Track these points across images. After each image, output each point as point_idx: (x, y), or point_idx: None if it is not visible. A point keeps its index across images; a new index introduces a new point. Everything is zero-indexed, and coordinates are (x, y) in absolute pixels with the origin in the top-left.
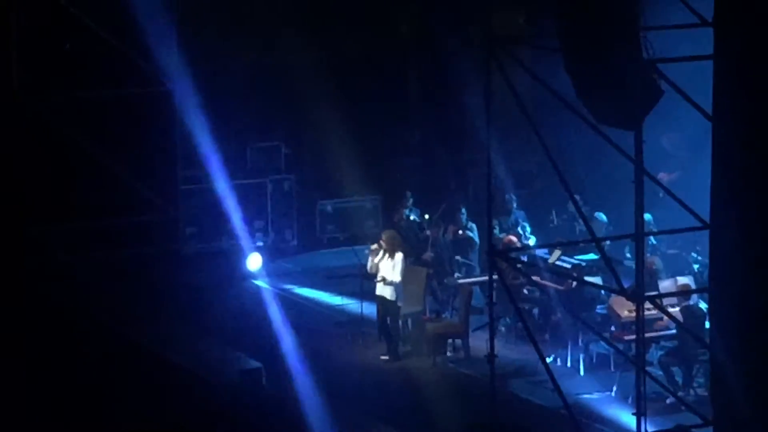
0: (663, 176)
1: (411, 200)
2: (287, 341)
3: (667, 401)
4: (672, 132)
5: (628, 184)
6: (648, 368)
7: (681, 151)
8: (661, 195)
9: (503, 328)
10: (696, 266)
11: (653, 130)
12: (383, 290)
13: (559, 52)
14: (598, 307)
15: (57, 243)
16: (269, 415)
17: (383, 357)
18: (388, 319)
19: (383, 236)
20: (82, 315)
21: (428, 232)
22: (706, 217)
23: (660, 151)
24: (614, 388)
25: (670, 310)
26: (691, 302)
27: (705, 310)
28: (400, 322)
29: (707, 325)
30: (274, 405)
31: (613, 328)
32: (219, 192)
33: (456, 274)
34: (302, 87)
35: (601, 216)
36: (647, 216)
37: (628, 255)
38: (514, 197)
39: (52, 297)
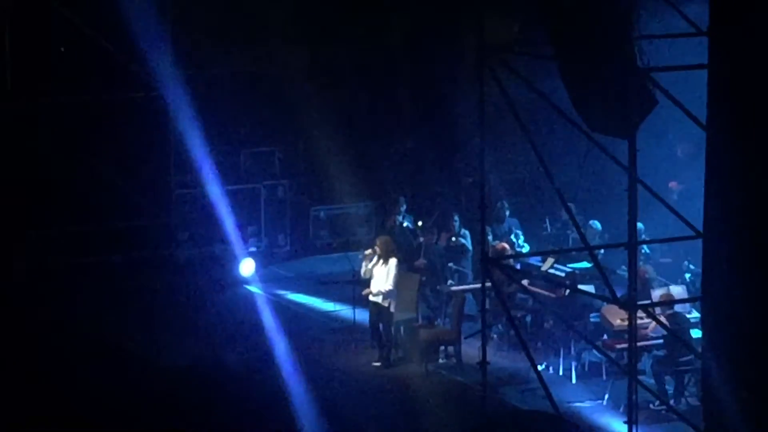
0: (673, 185)
1: (404, 207)
2: (280, 346)
3: (659, 410)
4: (686, 142)
5: (622, 192)
6: (640, 377)
7: (695, 161)
8: (675, 198)
9: (495, 336)
10: (688, 275)
11: (665, 139)
12: (376, 296)
13: (553, 60)
14: (591, 315)
15: (49, 247)
16: (262, 418)
17: (375, 363)
18: (381, 325)
19: (377, 242)
20: (73, 319)
21: (421, 239)
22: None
23: (675, 159)
24: (606, 397)
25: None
26: (678, 309)
27: (689, 317)
28: (393, 329)
29: (692, 332)
30: (269, 409)
31: (605, 337)
32: (212, 197)
33: (449, 281)
34: (296, 93)
35: (596, 224)
36: (639, 225)
37: (624, 267)
38: (506, 205)
39: (44, 301)
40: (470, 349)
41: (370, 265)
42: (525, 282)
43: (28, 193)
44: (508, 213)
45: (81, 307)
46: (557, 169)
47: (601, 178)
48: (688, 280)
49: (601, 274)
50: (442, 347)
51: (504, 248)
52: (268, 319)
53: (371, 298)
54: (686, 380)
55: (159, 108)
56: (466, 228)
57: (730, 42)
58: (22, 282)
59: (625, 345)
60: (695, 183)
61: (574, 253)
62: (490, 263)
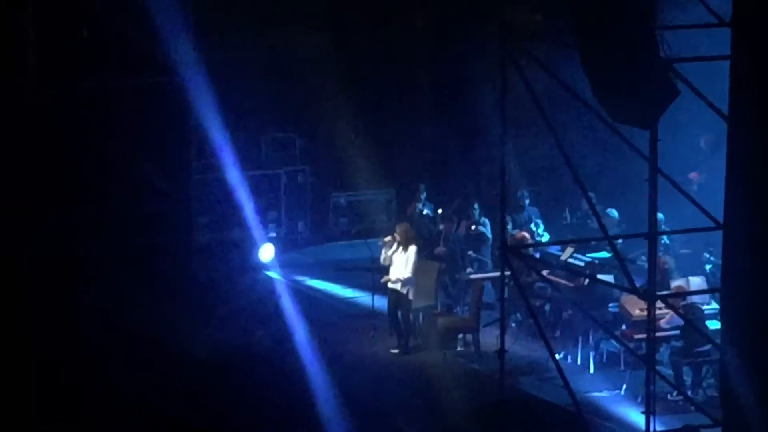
0: (694, 176)
1: (424, 194)
2: (299, 332)
3: (677, 401)
4: (709, 133)
5: (641, 182)
6: (658, 367)
7: (717, 152)
8: (696, 189)
9: (514, 324)
10: (708, 266)
11: (686, 130)
12: (395, 283)
13: (575, 49)
14: (610, 305)
15: (68, 231)
16: (281, 405)
17: (393, 350)
18: (399, 312)
19: (397, 229)
20: (91, 304)
21: (441, 227)
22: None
23: (695, 150)
24: (624, 387)
25: None
26: (697, 300)
27: (708, 309)
28: (411, 316)
29: (708, 323)
30: (287, 394)
31: (624, 327)
32: (232, 182)
33: (468, 270)
34: (318, 80)
35: (613, 212)
36: (659, 215)
37: (643, 257)
38: (526, 193)
39: (62, 285)
40: (488, 338)
41: (389, 252)
42: (544, 271)
43: (48, 176)
44: (528, 202)
45: (99, 290)
46: (578, 158)
47: (621, 168)
48: (708, 271)
49: (620, 264)
50: (461, 335)
51: (524, 237)
52: (288, 304)
53: (390, 285)
54: (704, 371)
55: (180, 92)
56: (486, 216)
57: (753, 33)
58: (41, 265)
59: (643, 335)
60: (716, 174)
61: (593, 242)
62: (509, 252)
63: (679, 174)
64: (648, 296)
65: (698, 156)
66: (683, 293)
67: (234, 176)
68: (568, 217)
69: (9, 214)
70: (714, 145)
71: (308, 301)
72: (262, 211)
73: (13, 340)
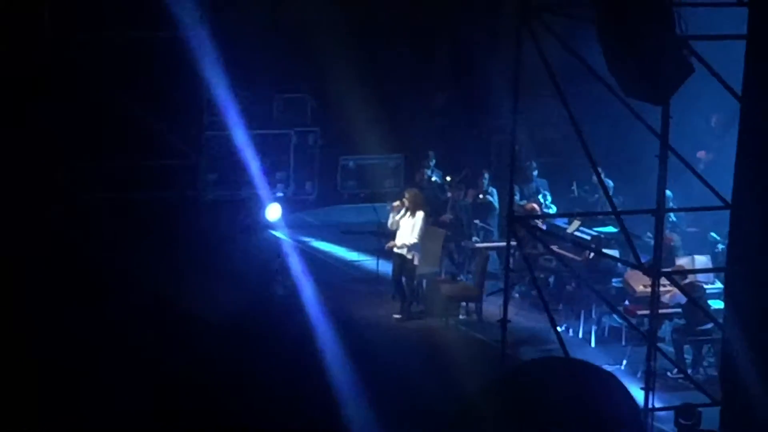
0: (701, 154)
1: (433, 161)
2: (305, 293)
3: (676, 378)
4: (720, 112)
5: (650, 158)
6: (659, 344)
7: (727, 132)
8: (702, 168)
9: (517, 295)
10: (721, 246)
11: (696, 108)
12: (401, 249)
13: (590, 22)
14: (614, 280)
15: (79, 184)
16: (285, 362)
17: (396, 315)
18: (404, 278)
19: (406, 194)
20: (100, 257)
21: (449, 194)
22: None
23: (704, 129)
24: (624, 362)
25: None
26: (702, 279)
27: (712, 288)
28: (415, 282)
29: (710, 303)
30: (291, 352)
31: (626, 302)
32: (242, 140)
33: (474, 238)
34: (331, 42)
35: (608, 182)
36: (667, 192)
37: (649, 234)
38: (534, 164)
39: (73, 239)
40: (491, 307)
41: (397, 217)
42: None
43: (57, 130)
44: (536, 173)
45: (105, 244)
46: (588, 132)
47: (631, 144)
48: (720, 250)
49: (626, 238)
50: (464, 303)
51: (533, 208)
52: (294, 264)
53: (396, 250)
54: (704, 350)
55: (193, 50)
56: (494, 186)
57: None
58: (48, 218)
59: (646, 311)
60: (723, 154)
61: (600, 217)
62: (516, 222)
63: (688, 152)
64: (653, 272)
65: (707, 135)
66: (688, 271)
67: (244, 134)
68: (575, 190)
69: (18, 167)
70: (724, 124)
71: (312, 262)
72: (270, 171)
73: (21, 289)
